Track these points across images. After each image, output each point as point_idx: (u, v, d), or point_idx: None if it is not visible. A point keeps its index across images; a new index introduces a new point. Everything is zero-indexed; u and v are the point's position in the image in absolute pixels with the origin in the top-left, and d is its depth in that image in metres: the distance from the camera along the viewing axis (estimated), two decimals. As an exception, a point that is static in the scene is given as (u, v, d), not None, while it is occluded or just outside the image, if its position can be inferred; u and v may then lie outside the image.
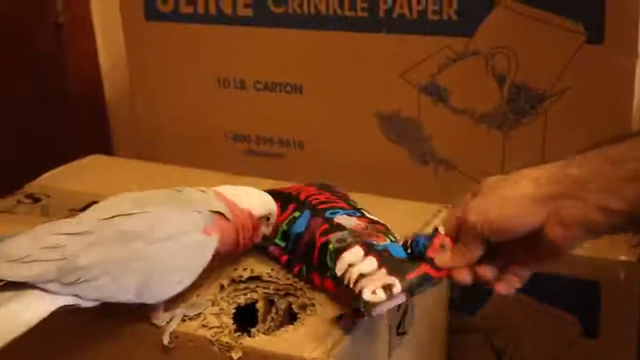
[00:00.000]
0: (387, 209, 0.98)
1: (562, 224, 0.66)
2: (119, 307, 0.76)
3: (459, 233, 0.72)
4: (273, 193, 0.88)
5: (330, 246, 0.79)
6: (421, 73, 1.06)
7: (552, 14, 0.97)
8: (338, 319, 0.75)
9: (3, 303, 0.71)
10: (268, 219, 0.85)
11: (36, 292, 0.72)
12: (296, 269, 0.83)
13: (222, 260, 0.83)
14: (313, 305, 0.79)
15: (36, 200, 1.04)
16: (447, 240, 0.73)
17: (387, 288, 0.70)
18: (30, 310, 0.71)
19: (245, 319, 0.79)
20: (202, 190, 0.82)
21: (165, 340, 0.77)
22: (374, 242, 0.77)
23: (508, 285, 0.73)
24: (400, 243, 0.77)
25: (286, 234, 0.85)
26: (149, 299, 0.76)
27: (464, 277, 0.72)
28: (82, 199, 1.02)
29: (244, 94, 1.19)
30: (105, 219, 0.76)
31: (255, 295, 0.81)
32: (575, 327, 1.02)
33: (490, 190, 0.71)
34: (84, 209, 0.99)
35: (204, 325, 0.77)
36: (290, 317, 0.79)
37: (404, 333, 0.88)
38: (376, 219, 0.85)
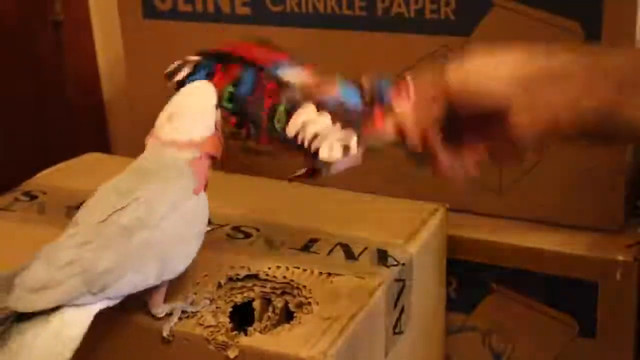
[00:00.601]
0: (384, 208, 0.98)
1: (532, 114, 0.65)
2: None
3: (431, 90, 0.71)
4: (211, 53, 0.86)
5: (281, 108, 0.76)
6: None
7: (550, 13, 0.97)
8: (291, 179, 0.74)
9: (41, 327, 0.70)
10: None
11: (72, 308, 0.71)
12: (245, 130, 0.81)
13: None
14: (310, 304, 0.79)
15: (33, 197, 1.04)
16: (412, 91, 0.71)
17: (344, 142, 0.69)
18: (72, 326, 0.71)
19: (242, 317, 0.79)
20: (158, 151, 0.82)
21: (166, 332, 0.77)
22: (326, 97, 0.75)
23: (452, 163, 0.71)
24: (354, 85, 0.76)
25: (232, 95, 0.82)
26: (169, 276, 0.77)
27: (414, 137, 0.71)
28: (79, 196, 1.01)
29: (241, 93, 1.18)
30: (102, 220, 0.75)
31: (252, 294, 0.81)
32: (572, 327, 1.02)
33: (476, 55, 0.69)
34: (80, 206, 0.99)
35: (200, 324, 0.77)
36: (287, 316, 0.79)
37: (400, 332, 0.88)
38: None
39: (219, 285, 0.82)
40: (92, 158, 1.19)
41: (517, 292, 1.04)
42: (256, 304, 0.81)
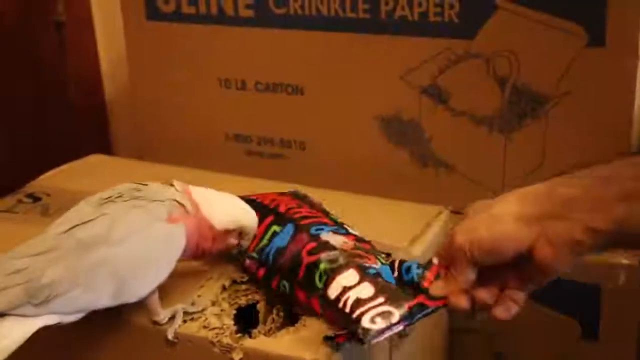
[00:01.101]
0: (387, 211, 0.98)
1: (550, 244, 0.66)
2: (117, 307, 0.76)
3: (450, 258, 0.71)
4: (248, 202, 0.86)
5: (322, 265, 0.76)
6: (422, 75, 1.06)
7: (553, 16, 0.97)
8: (328, 339, 0.73)
9: None
10: (240, 233, 0.81)
11: (12, 318, 0.71)
12: (274, 284, 0.81)
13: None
14: (314, 306, 0.79)
15: (36, 199, 1.04)
16: (443, 272, 0.73)
17: (386, 317, 0.69)
18: (7, 338, 0.70)
19: (246, 320, 0.79)
20: (172, 184, 0.80)
21: (170, 335, 0.77)
22: (367, 265, 0.76)
23: (506, 310, 0.71)
24: (387, 263, 0.77)
25: (263, 249, 0.82)
26: (128, 299, 0.75)
27: (461, 302, 0.71)
28: (83, 198, 1.02)
29: (245, 95, 1.19)
30: (64, 231, 0.75)
31: (256, 297, 0.81)
32: (575, 330, 1.02)
33: (478, 211, 0.70)
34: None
35: (204, 327, 0.77)
36: (291, 319, 0.79)
37: (405, 335, 0.88)
38: (360, 235, 0.84)
39: (224, 288, 0.82)
40: (95, 159, 1.19)
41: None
42: (260, 307, 0.81)
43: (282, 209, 0.86)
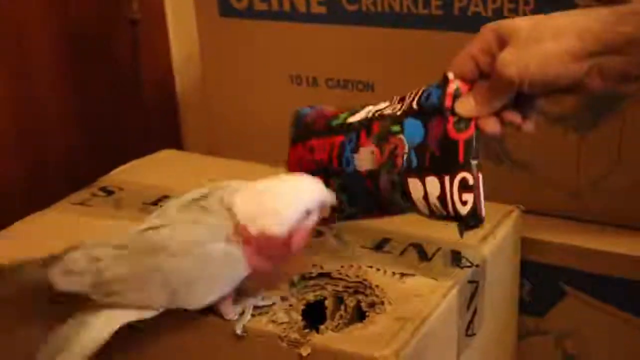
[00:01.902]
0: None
1: (605, 76, 0.65)
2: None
3: (490, 83, 0.70)
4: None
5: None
6: (495, 72, 1.05)
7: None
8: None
9: (91, 316, 0.76)
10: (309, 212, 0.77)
11: (107, 310, 0.76)
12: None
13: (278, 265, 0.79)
14: (382, 303, 0.79)
15: (110, 193, 1.06)
16: (461, 85, 0.71)
17: (464, 186, 0.70)
18: (98, 330, 0.76)
19: (314, 316, 0.79)
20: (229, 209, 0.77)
21: (239, 330, 0.77)
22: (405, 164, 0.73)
23: (534, 122, 0.72)
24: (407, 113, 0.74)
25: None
26: (184, 306, 0.77)
27: (494, 126, 0.70)
28: (155, 193, 1.03)
29: (316, 92, 1.18)
30: (141, 230, 0.78)
31: (324, 292, 0.81)
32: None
33: (528, 41, 0.68)
34: (156, 202, 1.00)
35: (273, 321, 0.77)
36: (359, 315, 0.79)
37: (473, 334, 0.87)
38: (378, 108, 0.80)
39: (292, 284, 0.82)
40: (166, 154, 1.21)
41: (592, 297, 1.02)
42: (328, 303, 0.81)
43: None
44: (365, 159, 0.77)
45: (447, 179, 0.71)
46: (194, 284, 0.76)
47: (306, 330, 0.76)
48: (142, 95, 1.48)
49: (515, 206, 0.98)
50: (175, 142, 1.51)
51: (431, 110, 0.72)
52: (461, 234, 0.73)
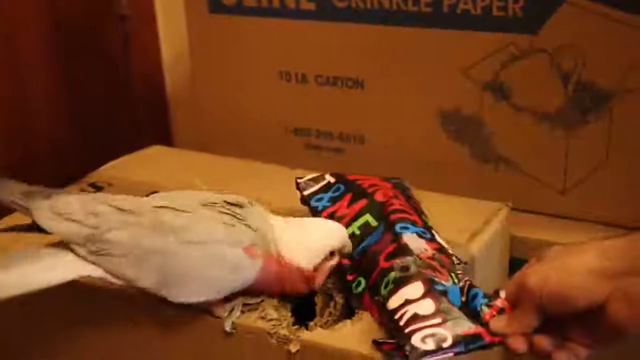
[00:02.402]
0: (446, 207, 0.98)
1: (628, 302, 0.63)
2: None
3: (517, 299, 0.69)
4: (343, 179, 0.86)
5: (392, 274, 0.74)
6: (484, 70, 1.05)
7: (620, 11, 0.96)
8: (375, 344, 0.71)
9: (36, 259, 0.75)
10: (332, 253, 0.80)
11: (71, 256, 0.75)
12: (350, 277, 0.80)
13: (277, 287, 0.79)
14: (371, 300, 0.79)
15: (99, 189, 1.06)
16: (507, 307, 0.71)
17: (438, 340, 0.67)
18: (54, 270, 0.75)
19: (303, 312, 0.80)
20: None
21: (227, 327, 0.77)
22: (436, 280, 0.73)
23: (569, 358, 0.68)
24: (460, 285, 0.74)
25: (355, 238, 0.82)
26: (168, 296, 0.76)
27: (519, 345, 0.68)
28: (144, 189, 1.03)
29: (305, 88, 1.19)
30: (155, 206, 0.77)
31: (313, 289, 0.82)
32: None
33: (554, 257, 0.68)
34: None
35: (262, 317, 0.77)
36: (348, 312, 0.79)
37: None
38: (445, 246, 0.81)
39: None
40: (155, 151, 1.21)
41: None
42: (318, 300, 0.81)
43: (378, 197, 0.85)
44: (416, 244, 0.78)
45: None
46: (191, 279, 0.76)
47: (295, 327, 0.76)
48: (132, 91, 1.47)
49: (503, 204, 0.98)
50: (165, 138, 1.51)
51: (471, 312, 0.72)
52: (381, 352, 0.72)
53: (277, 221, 0.80)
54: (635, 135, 0.99)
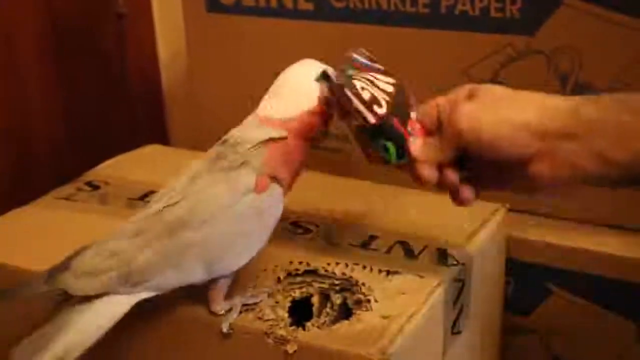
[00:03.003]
0: (444, 207, 0.97)
1: (554, 164, 0.63)
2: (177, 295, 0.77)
3: (439, 129, 0.69)
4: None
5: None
6: (482, 71, 1.05)
7: (618, 13, 0.96)
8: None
9: (81, 310, 0.73)
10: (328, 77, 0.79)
11: (105, 297, 0.74)
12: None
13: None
14: (369, 301, 0.79)
15: (95, 187, 1.05)
16: (418, 127, 0.71)
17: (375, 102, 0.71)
18: (104, 316, 0.74)
19: (300, 313, 0.79)
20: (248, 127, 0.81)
21: (225, 328, 0.77)
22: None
23: (468, 196, 0.70)
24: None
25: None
26: (223, 273, 0.76)
27: (430, 174, 0.69)
28: (141, 188, 1.03)
29: (302, 88, 1.18)
30: (155, 213, 0.76)
31: (310, 290, 0.81)
32: (632, 332, 1.01)
33: (491, 103, 0.66)
34: (142, 198, 1.00)
35: (259, 318, 0.77)
36: (345, 313, 0.79)
37: (458, 332, 0.87)
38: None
39: (278, 280, 0.82)
40: (151, 150, 1.21)
41: (576, 295, 1.02)
42: (315, 300, 0.81)
43: None
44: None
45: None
46: (231, 245, 0.76)
47: (292, 328, 0.76)
48: (128, 90, 1.47)
49: (500, 205, 0.98)
50: (161, 137, 1.51)
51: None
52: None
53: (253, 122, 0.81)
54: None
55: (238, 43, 1.21)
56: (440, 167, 0.70)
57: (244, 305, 0.78)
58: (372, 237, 0.90)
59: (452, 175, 0.69)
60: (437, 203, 0.97)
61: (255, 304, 0.79)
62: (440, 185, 0.71)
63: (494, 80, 1.04)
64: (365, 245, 0.89)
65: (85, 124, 1.40)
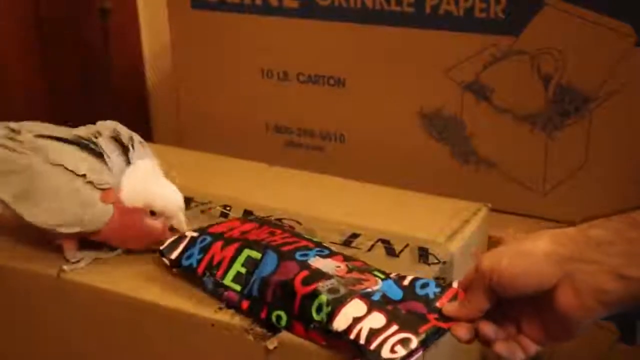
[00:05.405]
0: (426, 206, 0.98)
1: (576, 291, 0.63)
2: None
3: (470, 283, 0.69)
4: (205, 231, 0.83)
5: (322, 297, 0.72)
6: (466, 71, 1.05)
7: (601, 15, 0.96)
8: None
9: None
10: (153, 213, 0.81)
11: None
12: (263, 315, 0.75)
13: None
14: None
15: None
16: (460, 295, 0.71)
17: (406, 344, 0.67)
18: None
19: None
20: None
21: (68, 268, 0.81)
22: (369, 291, 0.72)
23: (509, 350, 0.68)
24: (392, 276, 0.75)
25: (242, 277, 0.77)
26: (22, 213, 0.81)
27: (462, 333, 0.69)
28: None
29: (286, 86, 1.19)
30: (38, 135, 0.84)
31: (292, 287, 0.81)
32: (613, 333, 1.01)
33: (512, 242, 0.68)
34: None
35: (240, 314, 0.77)
36: (326, 310, 0.79)
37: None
38: (345, 253, 0.81)
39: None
40: (135, 146, 1.20)
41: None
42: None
43: (252, 236, 0.82)
44: (327, 265, 0.76)
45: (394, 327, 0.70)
46: (43, 200, 0.80)
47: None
48: (112, 85, 1.47)
49: (482, 204, 0.98)
50: (145, 132, 1.50)
51: (417, 297, 0.73)
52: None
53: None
54: (614, 138, 1.00)
55: (222, 40, 1.21)
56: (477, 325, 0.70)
57: (97, 259, 0.83)
58: (354, 235, 0.90)
59: (485, 328, 0.68)
60: (420, 202, 0.98)
61: (109, 257, 0.83)
62: (481, 343, 0.71)
63: (477, 80, 1.05)
64: (346, 243, 0.89)
65: (68, 119, 1.39)
